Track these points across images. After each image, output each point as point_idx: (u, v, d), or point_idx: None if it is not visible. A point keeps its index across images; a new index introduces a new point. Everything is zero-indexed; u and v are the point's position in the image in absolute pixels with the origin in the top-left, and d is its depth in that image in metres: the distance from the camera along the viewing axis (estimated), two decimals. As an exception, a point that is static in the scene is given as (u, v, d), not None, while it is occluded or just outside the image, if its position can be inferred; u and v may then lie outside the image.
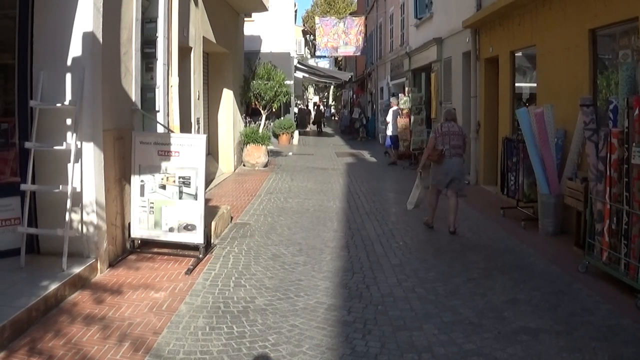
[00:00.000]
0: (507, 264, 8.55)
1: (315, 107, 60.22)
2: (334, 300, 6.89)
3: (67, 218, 6.99)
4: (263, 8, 20.16)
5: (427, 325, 6.16)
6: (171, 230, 8.48)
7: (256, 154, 19.99)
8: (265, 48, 29.24)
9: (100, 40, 7.41)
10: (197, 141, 8.56)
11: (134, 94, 8.78)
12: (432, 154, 10.74)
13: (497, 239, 10.02)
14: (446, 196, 10.82)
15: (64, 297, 6.52)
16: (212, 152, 17.95)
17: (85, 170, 7.29)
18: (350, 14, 53.94)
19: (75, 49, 7.25)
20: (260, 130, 20.99)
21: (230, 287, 7.28)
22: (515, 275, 7.94)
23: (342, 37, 39.99)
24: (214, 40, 15.84)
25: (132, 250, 8.58)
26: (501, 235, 10.30)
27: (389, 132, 22.78)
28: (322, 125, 48.24)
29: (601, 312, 6.56)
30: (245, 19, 22.75)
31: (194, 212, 8.41)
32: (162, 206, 8.49)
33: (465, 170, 11.24)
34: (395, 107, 22.79)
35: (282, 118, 31.04)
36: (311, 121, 49.01)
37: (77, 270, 6.92)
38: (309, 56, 60.78)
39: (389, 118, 22.89)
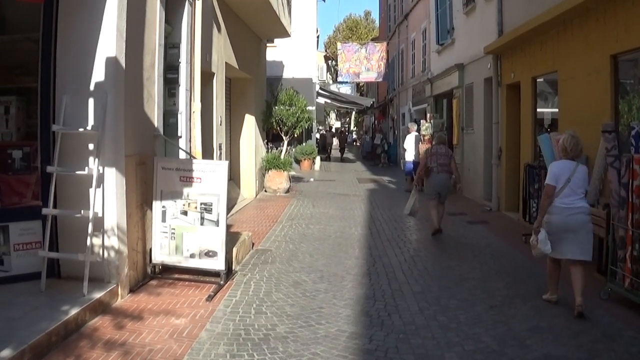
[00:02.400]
0: (529, 291, 8.46)
1: (339, 133, 60.01)
2: (355, 328, 6.84)
3: (88, 243, 7.01)
4: (285, 34, 20.22)
5: (449, 354, 6.10)
6: (192, 256, 8.47)
7: (278, 180, 20.01)
8: (287, 74, 29.39)
9: (123, 65, 7.47)
10: (219, 168, 8.58)
11: (156, 119, 8.83)
12: (422, 170, 13.19)
13: (518, 265, 9.93)
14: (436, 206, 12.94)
15: (85, 322, 6.52)
16: (234, 178, 18.01)
17: (107, 195, 7.32)
18: (372, 39, 54.13)
19: (98, 73, 7.31)
20: (282, 156, 21.04)
21: (251, 314, 7.25)
22: (537, 303, 7.86)
23: (364, 63, 40.08)
24: (237, 66, 15.93)
25: (153, 275, 8.57)
26: (523, 262, 10.20)
27: (408, 157, 22.58)
28: (343, 151, 47.84)
29: (624, 339, 6.49)
30: (268, 44, 22.86)
31: (215, 239, 8.40)
32: (184, 232, 8.48)
33: (450, 184, 13.32)
34: (413, 133, 22.65)
35: (304, 144, 31.10)
36: (332, 147, 48.67)
37: (97, 295, 6.92)
38: (330, 82, 61.03)
39: (407, 144, 22.70)
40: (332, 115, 79.44)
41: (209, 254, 8.41)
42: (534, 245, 7.81)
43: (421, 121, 24.92)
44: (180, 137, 9.98)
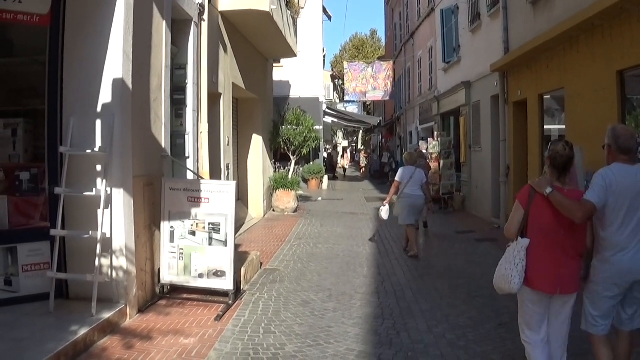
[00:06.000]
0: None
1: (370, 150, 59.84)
2: (364, 347, 6.81)
3: (96, 263, 7.01)
4: (292, 54, 20.25)
5: (459, 372, 6.07)
6: (201, 276, 8.47)
7: (285, 199, 20.00)
8: (294, 93, 29.47)
9: (130, 86, 7.50)
10: (227, 188, 8.59)
11: (163, 140, 8.85)
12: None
13: (529, 283, 9.89)
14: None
15: (93, 343, 6.51)
16: (241, 198, 18.03)
17: (115, 216, 7.33)
18: (378, 58, 54.09)
19: (105, 95, 7.34)
20: (290, 176, 21.04)
21: (259, 333, 7.23)
22: (547, 320, 7.81)
23: (371, 81, 40.13)
24: (243, 86, 15.99)
25: (162, 295, 8.57)
26: (533, 279, 10.16)
27: None
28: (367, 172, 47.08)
29: (633, 355, 6.43)
30: (274, 64, 22.93)
31: (224, 258, 8.40)
32: (192, 252, 8.49)
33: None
34: (423, 151, 22.65)
35: (311, 163, 31.10)
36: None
37: (106, 315, 6.92)
38: (337, 101, 61.02)
39: None
40: (340, 134, 79.51)
41: (218, 273, 8.40)
42: (380, 213, 13.07)
43: (428, 139, 24.92)
44: (188, 157, 10.00)
